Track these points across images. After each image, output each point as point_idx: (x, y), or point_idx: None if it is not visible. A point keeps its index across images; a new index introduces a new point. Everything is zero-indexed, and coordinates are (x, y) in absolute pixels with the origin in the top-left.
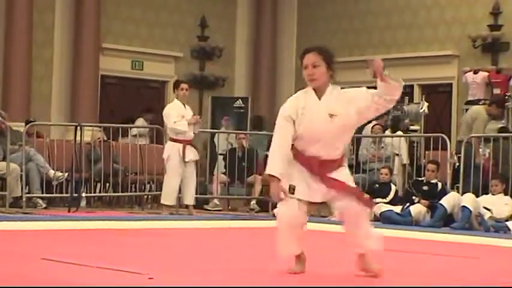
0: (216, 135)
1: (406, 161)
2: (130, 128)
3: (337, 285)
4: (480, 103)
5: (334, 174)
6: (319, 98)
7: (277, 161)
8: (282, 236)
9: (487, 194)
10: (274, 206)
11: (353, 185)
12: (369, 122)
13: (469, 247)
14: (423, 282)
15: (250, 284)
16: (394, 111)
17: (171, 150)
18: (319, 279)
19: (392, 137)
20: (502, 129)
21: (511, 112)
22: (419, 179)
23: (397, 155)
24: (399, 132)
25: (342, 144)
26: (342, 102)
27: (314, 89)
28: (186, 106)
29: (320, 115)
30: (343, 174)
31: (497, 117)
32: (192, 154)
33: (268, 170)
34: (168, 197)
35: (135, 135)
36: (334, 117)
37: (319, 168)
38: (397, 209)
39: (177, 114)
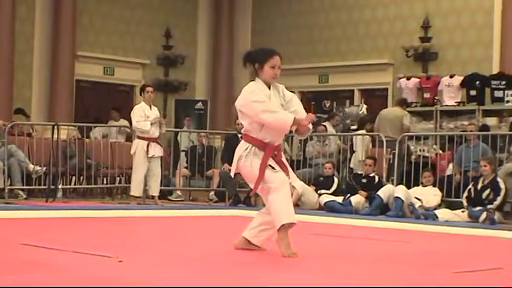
0: (179, 133)
1: (361, 157)
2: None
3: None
4: (412, 105)
5: None
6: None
7: None
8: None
9: (418, 185)
10: (230, 197)
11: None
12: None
13: (402, 232)
14: (359, 264)
15: (212, 266)
16: (338, 112)
17: (136, 147)
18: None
19: (334, 135)
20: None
21: (439, 113)
22: (359, 172)
23: (354, 151)
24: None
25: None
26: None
27: (266, 84)
28: (152, 107)
29: (276, 104)
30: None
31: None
32: (156, 150)
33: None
34: (135, 189)
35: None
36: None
37: None
38: (339, 199)
39: (142, 115)
